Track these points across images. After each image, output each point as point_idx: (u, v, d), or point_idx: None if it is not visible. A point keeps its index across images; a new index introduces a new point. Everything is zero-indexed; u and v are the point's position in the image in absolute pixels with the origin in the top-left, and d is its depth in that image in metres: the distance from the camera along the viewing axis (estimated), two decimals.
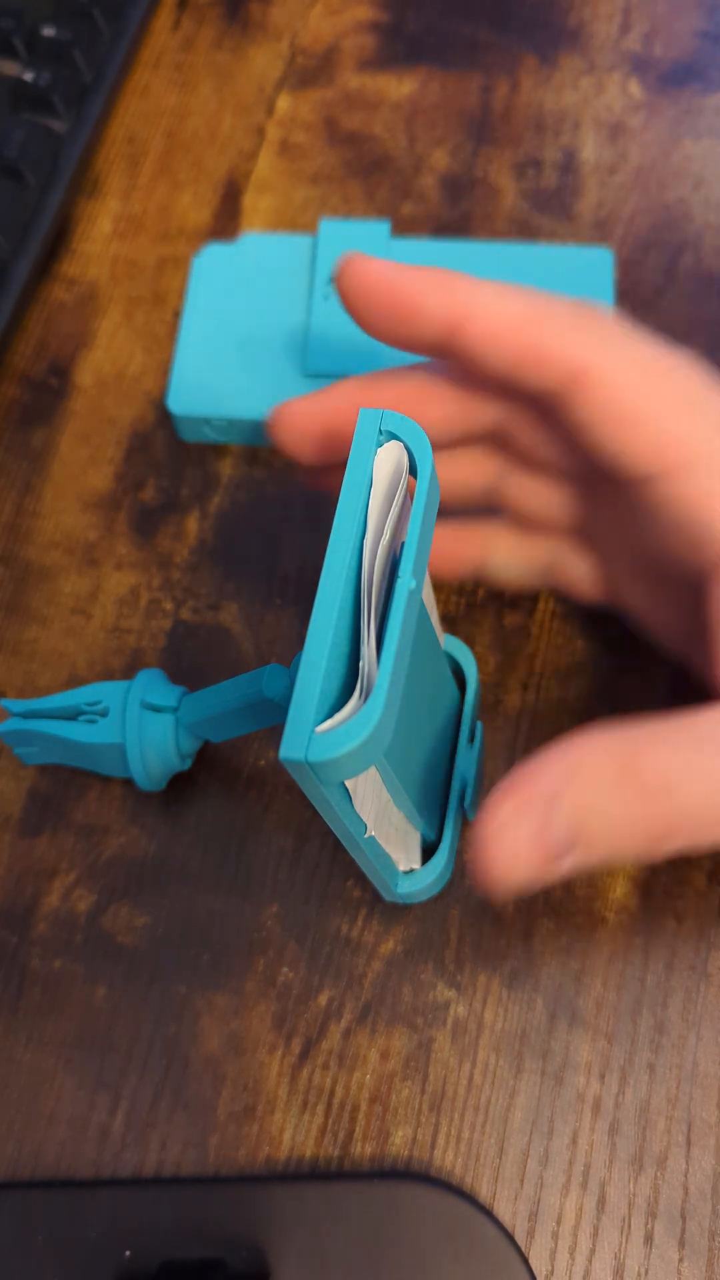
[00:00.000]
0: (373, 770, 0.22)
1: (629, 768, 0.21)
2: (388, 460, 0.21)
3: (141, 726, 0.27)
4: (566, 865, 0.22)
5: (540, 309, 0.23)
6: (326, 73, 0.41)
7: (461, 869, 0.28)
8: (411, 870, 0.27)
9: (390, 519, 0.21)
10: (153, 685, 0.27)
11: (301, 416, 0.26)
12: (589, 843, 0.21)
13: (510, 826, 0.21)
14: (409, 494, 0.22)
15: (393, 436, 0.21)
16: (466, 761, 0.28)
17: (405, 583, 0.20)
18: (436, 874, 0.26)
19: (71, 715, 0.27)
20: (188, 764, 0.28)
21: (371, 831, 0.23)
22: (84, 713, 0.27)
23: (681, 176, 0.38)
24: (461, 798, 0.28)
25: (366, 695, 0.20)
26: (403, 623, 0.20)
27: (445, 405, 0.26)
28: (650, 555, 0.26)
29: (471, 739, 0.28)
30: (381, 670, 0.19)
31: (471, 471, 0.28)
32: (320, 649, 0.20)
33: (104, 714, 0.27)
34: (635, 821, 0.21)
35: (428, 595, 0.25)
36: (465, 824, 0.28)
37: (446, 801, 0.28)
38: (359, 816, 0.22)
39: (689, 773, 0.21)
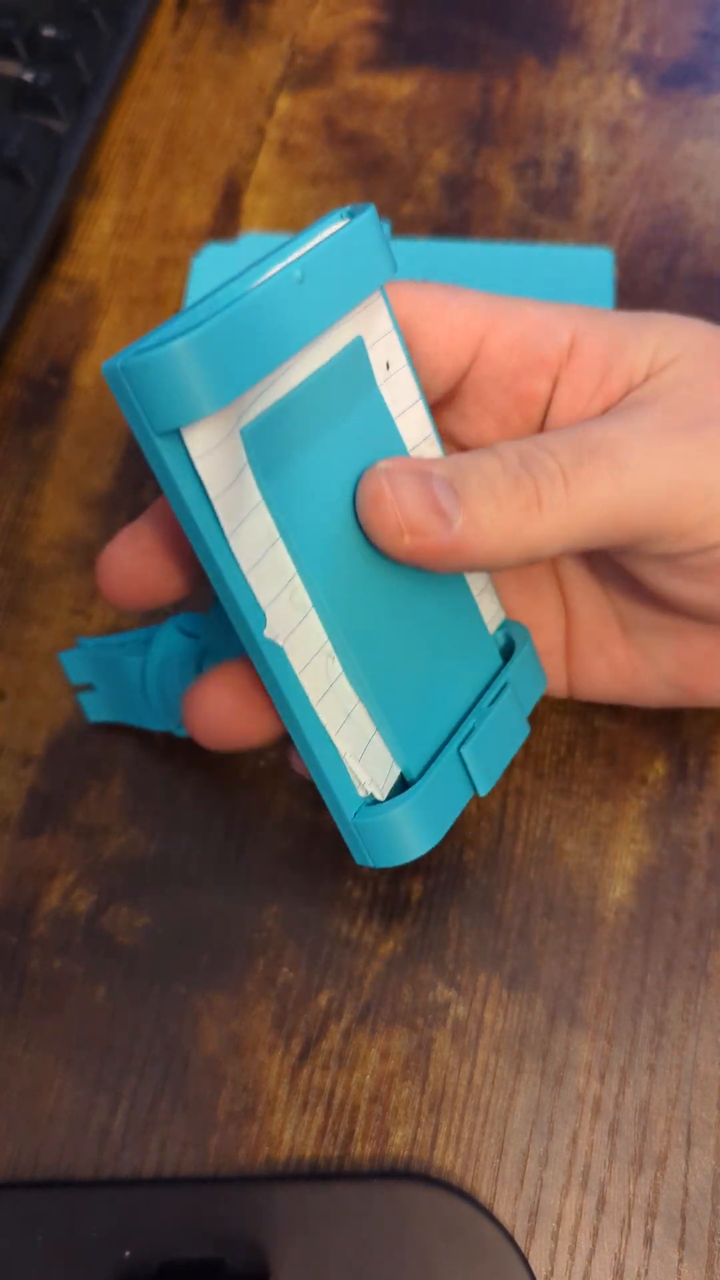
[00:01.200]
0: (276, 542, 0.21)
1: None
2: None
3: (167, 644, 0.26)
4: (455, 530, 0.22)
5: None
6: (326, 73, 0.41)
7: (449, 844, 0.28)
8: (374, 799, 0.23)
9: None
10: (195, 617, 0.27)
11: (132, 552, 0.24)
12: (469, 497, 0.22)
13: (392, 474, 0.22)
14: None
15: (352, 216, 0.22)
16: (481, 714, 0.25)
17: (291, 269, 0.20)
18: (396, 810, 0.22)
19: (123, 647, 0.28)
20: None
21: (279, 639, 0.21)
22: (130, 644, 0.27)
23: (681, 177, 0.38)
24: (464, 741, 0.24)
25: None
26: (267, 290, 0.20)
27: None
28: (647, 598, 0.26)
29: (494, 701, 0.25)
30: (220, 312, 0.19)
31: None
32: (193, 306, 0.19)
33: (146, 643, 0.27)
34: (506, 473, 0.22)
35: None
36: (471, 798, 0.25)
37: (447, 745, 0.24)
38: (229, 549, 0.21)
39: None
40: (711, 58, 0.41)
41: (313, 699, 0.22)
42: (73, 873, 0.29)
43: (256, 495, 0.21)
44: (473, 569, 0.23)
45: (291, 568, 0.22)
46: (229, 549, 0.21)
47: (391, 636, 0.24)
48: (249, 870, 0.29)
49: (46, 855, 0.29)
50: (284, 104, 0.41)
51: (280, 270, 0.20)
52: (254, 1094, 0.27)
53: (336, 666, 0.23)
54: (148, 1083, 0.27)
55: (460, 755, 0.24)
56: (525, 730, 0.26)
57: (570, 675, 0.28)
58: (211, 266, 0.36)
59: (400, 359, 0.24)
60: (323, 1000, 0.27)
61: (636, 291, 0.36)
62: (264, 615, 0.21)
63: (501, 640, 0.27)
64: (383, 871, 0.28)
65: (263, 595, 0.21)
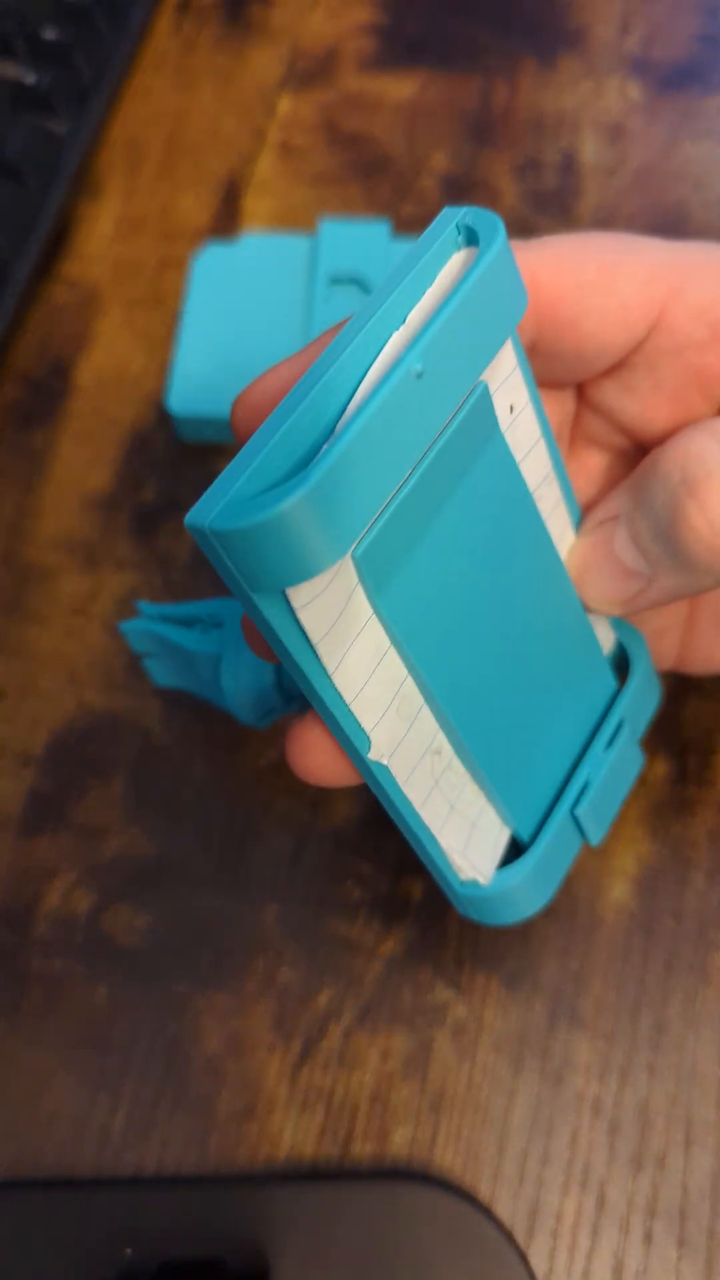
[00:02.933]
0: (387, 652, 0.19)
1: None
2: (458, 267, 0.18)
3: (240, 656, 0.24)
4: (657, 583, 0.21)
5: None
6: (327, 75, 0.41)
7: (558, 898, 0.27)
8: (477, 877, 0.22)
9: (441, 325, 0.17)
10: None
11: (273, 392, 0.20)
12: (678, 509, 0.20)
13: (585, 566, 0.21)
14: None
15: (472, 238, 0.17)
16: (596, 763, 0.23)
17: (408, 362, 0.16)
18: (513, 882, 0.22)
19: (190, 624, 0.25)
20: (292, 705, 0.25)
21: (383, 759, 0.20)
22: (201, 622, 0.25)
23: (681, 178, 0.38)
24: (577, 799, 0.23)
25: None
26: (384, 403, 0.16)
27: None
28: None
29: (611, 741, 0.24)
30: (335, 444, 0.15)
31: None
32: (283, 417, 0.16)
33: (218, 626, 0.25)
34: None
35: (547, 494, 0.21)
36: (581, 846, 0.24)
37: (557, 802, 0.23)
38: (333, 685, 0.18)
39: None
40: (710, 60, 0.41)
41: (416, 804, 0.21)
42: (73, 873, 0.29)
43: (366, 613, 0.18)
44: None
45: (402, 673, 0.20)
46: (333, 685, 0.18)
47: (503, 700, 0.21)
48: (249, 870, 0.29)
49: (46, 855, 0.29)
50: (285, 105, 0.41)
51: (397, 368, 0.16)
52: (254, 1094, 0.27)
53: (442, 761, 0.21)
54: (148, 1083, 0.27)
55: (574, 816, 0.23)
56: (640, 761, 0.25)
57: (684, 651, 0.26)
58: (211, 267, 0.36)
59: (524, 398, 0.20)
60: (323, 1000, 0.27)
61: None
62: (369, 739, 0.19)
63: (613, 655, 0.25)
64: (382, 871, 0.28)
65: (367, 719, 0.19)
